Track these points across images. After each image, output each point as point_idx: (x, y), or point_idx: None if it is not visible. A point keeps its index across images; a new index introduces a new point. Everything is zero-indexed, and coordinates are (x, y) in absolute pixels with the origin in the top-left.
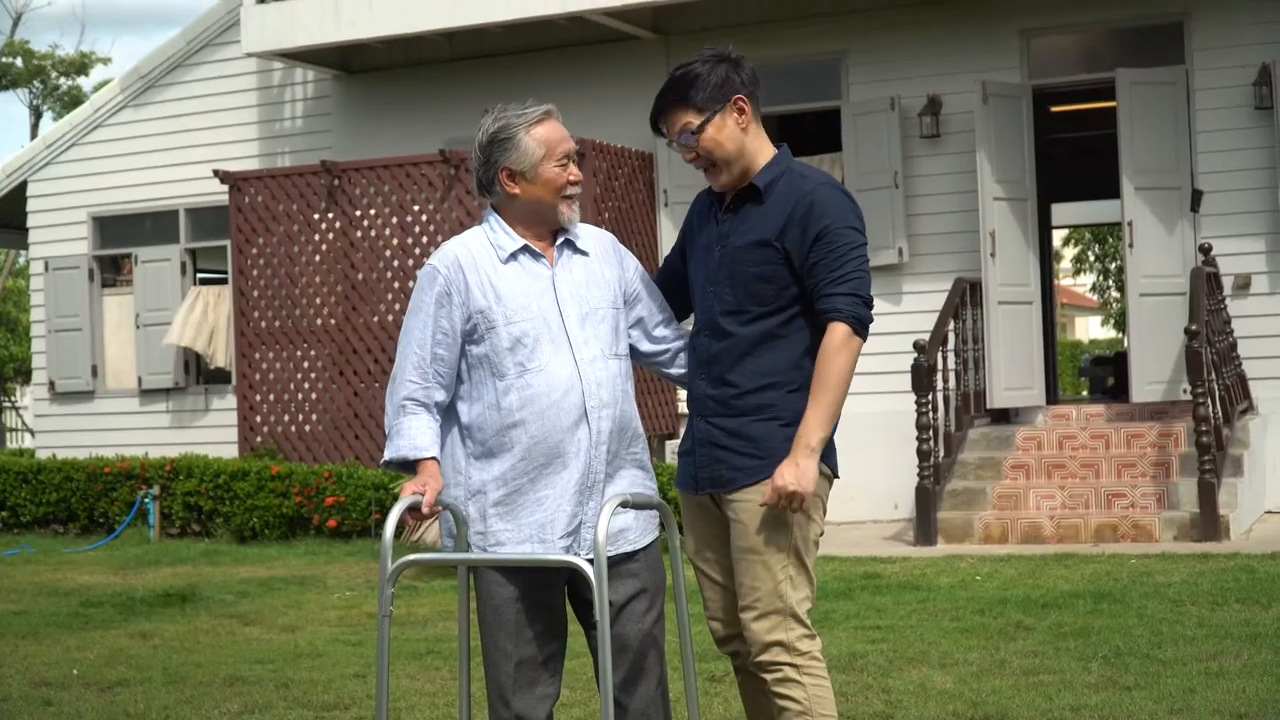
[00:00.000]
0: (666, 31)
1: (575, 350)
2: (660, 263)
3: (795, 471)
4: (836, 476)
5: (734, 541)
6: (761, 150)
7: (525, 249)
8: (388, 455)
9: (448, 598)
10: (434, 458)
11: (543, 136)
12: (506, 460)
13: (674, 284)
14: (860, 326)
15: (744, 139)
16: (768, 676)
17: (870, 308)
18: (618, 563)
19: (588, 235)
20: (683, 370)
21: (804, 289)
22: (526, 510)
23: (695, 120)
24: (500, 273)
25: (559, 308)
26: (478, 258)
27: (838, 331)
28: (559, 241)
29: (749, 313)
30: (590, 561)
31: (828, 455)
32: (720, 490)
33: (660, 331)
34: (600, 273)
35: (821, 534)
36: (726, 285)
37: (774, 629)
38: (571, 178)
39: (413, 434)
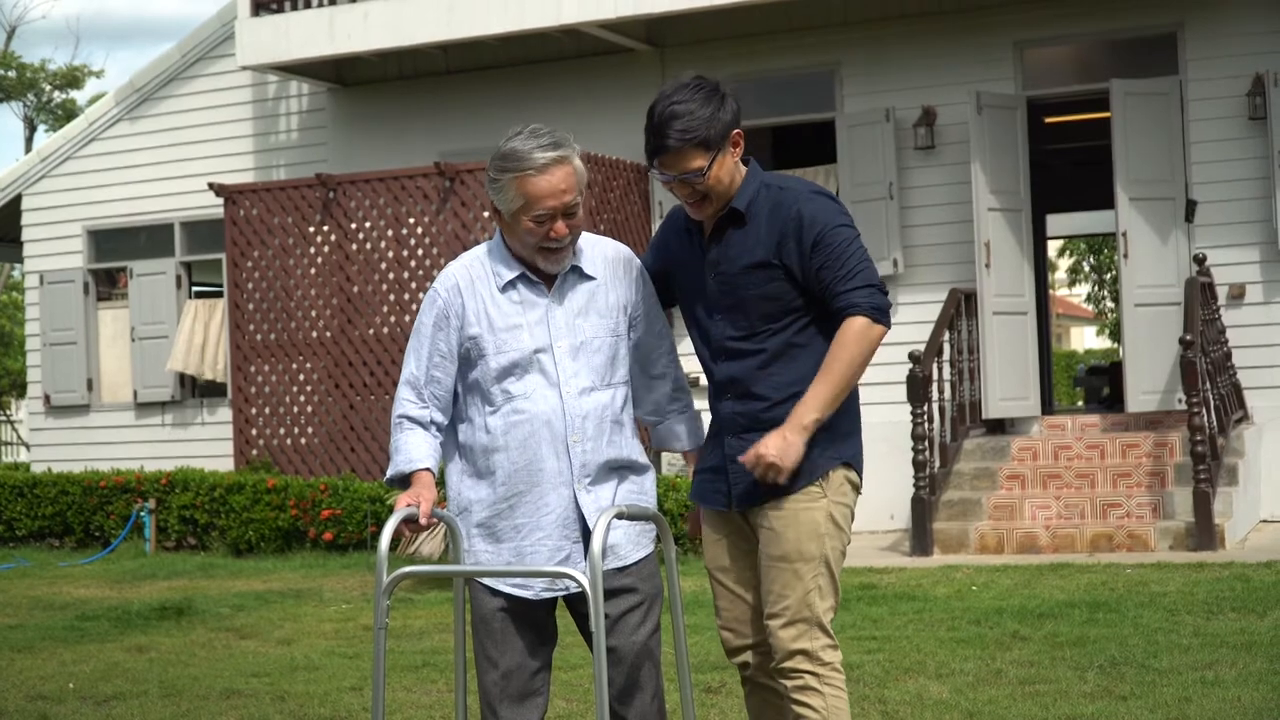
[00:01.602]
0: (661, 44)
1: (563, 383)
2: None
3: (781, 444)
4: (860, 490)
5: (764, 549)
6: (741, 171)
7: (522, 276)
8: (389, 474)
9: (443, 610)
10: (428, 469)
11: (528, 190)
12: (490, 483)
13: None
14: (879, 314)
15: (735, 172)
16: (788, 683)
17: (886, 293)
18: (609, 577)
19: (597, 256)
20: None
21: (812, 296)
22: (507, 535)
23: (705, 162)
24: (496, 300)
25: (550, 339)
26: (477, 282)
27: (856, 322)
28: (568, 267)
29: (763, 332)
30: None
31: (858, 466)
32: (756, 503)
33: (654, 369)
34: (604, 298)
35: (849, 543)
36: (736, 312)
37: (799, 637)
38: (553, 234)
39: (408, 449)
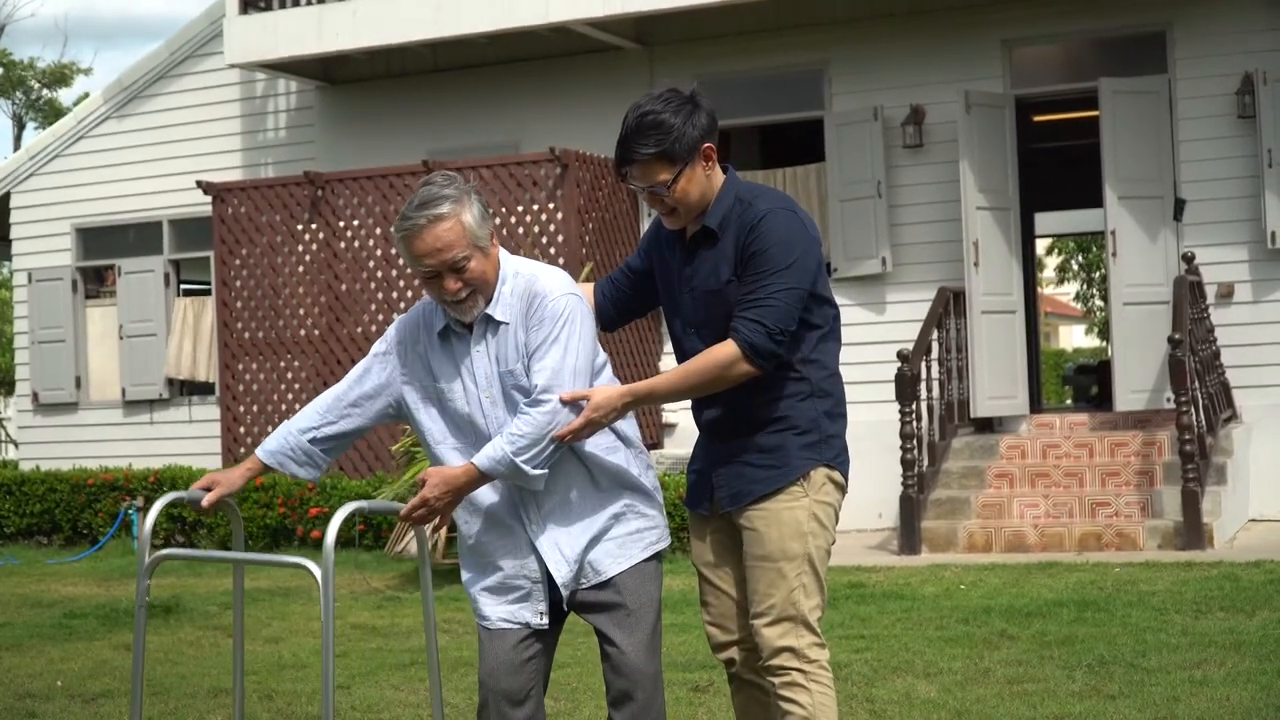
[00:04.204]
0: (650, 42)
1: (492, 433)
2: None
3: (604, 394)
4: (845, 490)
5: (748, 549)
6: (715, 183)
7: (448, 328)
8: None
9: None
10: (260, 458)
11: (408, 249)
12: (460, 521)
13: (633, 282)
14: (753, 353)
15: (706, 184)
16: (775, 680)
17: (775, 339)
18: (591, 592)
19: (514, 298)
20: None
21: None
22: (483, 570)
23: (669, 175)
24: (435, 349)
25: (478, 390)
26: (422, 331)
27: (727, 349)
28: (479, 317)
29: None
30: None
31: (841, 466)
32: (740, 505)
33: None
34: (513, 340)
35: (833, 543)
36: (706, 329)
37: (785, 635)
38: (443, 290)
39: (267, 438)
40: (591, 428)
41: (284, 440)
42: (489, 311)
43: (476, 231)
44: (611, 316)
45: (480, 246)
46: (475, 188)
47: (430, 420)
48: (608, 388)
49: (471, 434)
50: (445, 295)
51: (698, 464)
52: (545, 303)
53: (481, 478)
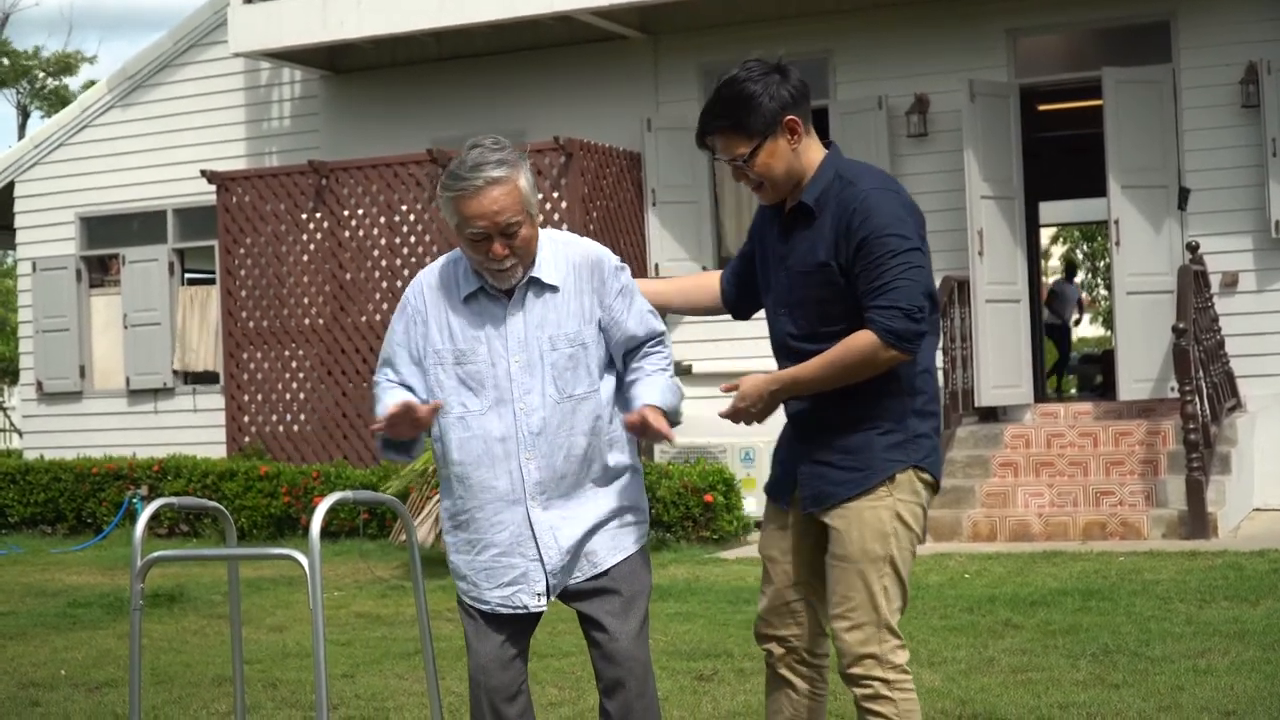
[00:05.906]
0: (654, 31)
1: (516, 399)
2: (648, 265)
3: (752, 383)
4: (937, 490)
5: (831, 549)
6: (811, 159)
7: (482, 289)
8: (377, 423)
9: (435, 598)
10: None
11: (461, 210)
12: (451, 495)
13: (746, 266)
14: (894, 339)
15: (793, 159)
16: (858, 691)
17: (914, 319)
18: (588, 582)
19: (562, 262)
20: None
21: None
22: (473, 549)
23: (746, 149)
24: (459, 311)
25: (507, 353)
26: (443, 292)
27: (866, 337)
28: (523, 280)
29: (823, 334)
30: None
31: (933, 465)
32: (822, 507)
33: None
34: (568, 306)
35: (920, 541)
36: (797, 311)
37: (868, 641)
38: (491, 253)
39: (386, 397)
40: (740, 418)
41: (401, 390)
42: (535, 274)
43: (529, 198)
44: (735, 301)
45: (531, 214)
46: (526, 153)
47: (436, 385)
48: (756, 376)
49: (491, 398)
50: (490, 261)
51: (782, 455)
52: (611, 263)
53: (666, 417)
